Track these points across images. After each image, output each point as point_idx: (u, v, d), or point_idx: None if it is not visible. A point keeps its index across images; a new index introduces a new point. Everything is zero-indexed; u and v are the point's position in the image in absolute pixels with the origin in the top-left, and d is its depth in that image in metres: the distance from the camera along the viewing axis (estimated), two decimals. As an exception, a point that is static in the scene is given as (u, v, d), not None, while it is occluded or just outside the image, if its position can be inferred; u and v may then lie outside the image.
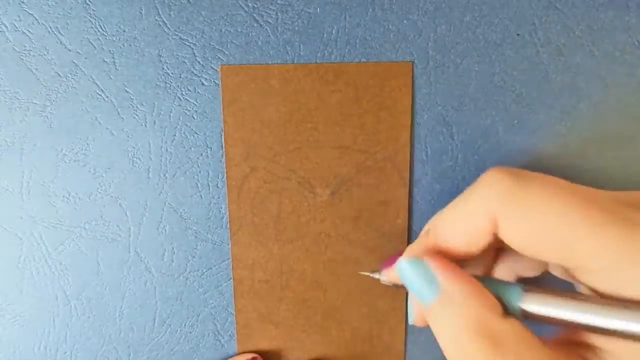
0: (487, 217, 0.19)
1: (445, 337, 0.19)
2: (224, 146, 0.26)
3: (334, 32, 0.25)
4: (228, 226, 0.27)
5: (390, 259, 0.24)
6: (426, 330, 0.29)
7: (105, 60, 0.25)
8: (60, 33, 0.25)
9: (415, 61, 0.26)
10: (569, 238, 0.17)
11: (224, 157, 0.26)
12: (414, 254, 0.21)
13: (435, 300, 0.19)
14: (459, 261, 0.21)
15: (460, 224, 0.20)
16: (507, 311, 0.19)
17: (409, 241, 0.28)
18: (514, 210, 0.18)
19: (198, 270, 0.28)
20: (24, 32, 0.25)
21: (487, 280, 0.20)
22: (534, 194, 0.18)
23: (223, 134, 0.26)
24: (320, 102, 0.26)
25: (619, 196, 0.18)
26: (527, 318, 0.19)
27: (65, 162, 0.26)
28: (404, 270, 0.21)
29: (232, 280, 0.28)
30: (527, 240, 0.18)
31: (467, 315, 0.18)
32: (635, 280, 0.16)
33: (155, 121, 0.26)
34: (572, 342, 0.19)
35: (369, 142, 0.26)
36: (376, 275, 0.25)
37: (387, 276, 0.24)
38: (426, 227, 0.23)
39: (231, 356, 0.28)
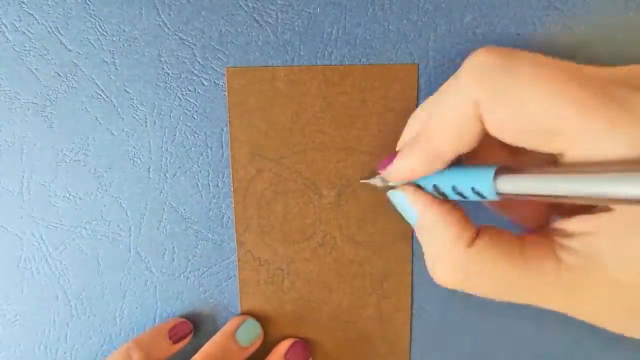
0: (471, 105, 0.17)
1: (426, 258, 0.21)
2: (230, 148, 0.26)
3: (334, 32, 0.25)
4: (234, 227, 0.27)
5: (386, 159, 0.23)
6: (431, 331, 0.29)
7: (106, 60, 0.25)
8: (60, 33, 0.25)
9: (416, 61, 0.26)
10: (553, 124, 0.16)
11: (230, 159, 0.26)
12: (404, 173, 0.22)
13: (415, 226, 0.22)
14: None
15: (446, 119, 0.19)
16: (482, 195, 0.19)
17: (414, 242, 0.28)
18: (496, 95, 0.17)
19: (199, 270, 0.28)
20: (24, 32, 0.25)
21: (457, 168, 0.20)
22: (520, 76, 0.16)
23: (229, 136, 0.26)
24: (325, 104, 0.26)
25: (618, 73, 0.17)
26: (506, 198, 0.19)
27: (66, 162, 0.26)
28: (390, 198, 0.23)
29: (237, 281, 0.28)
30: (510, 127, 0.17)
31: (436, 246, 0.20)
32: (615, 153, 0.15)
33: (155, 121, 0.26)
34: (543, 234, 0.19)
35: (375, 144, 0.26)
36: (372, 181, 0.26)
37: (382, 183, 0.25)
38: (412, 129, 0.23)
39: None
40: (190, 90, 0.26)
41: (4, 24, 0.25)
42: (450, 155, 0.20)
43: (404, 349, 0.29)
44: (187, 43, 0.25)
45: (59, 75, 0.25)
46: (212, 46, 0.25)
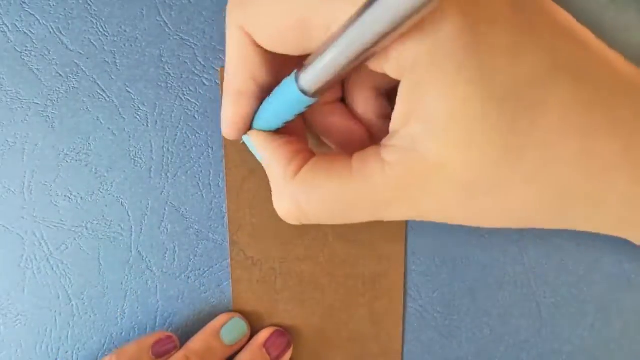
0: (237, 29, 0.18)
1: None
2: (223, 148, 0.26)
3: (334, 32, 0.25)
4: (227, 227, 0.27)
5: None
6: (425, 332, 0.29)
7: (107, 60, 0.25)
8: (61, 33, 0.25)
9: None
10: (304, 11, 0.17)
11: (224, 159, 0.27)
12: (228, 124, 0.21)
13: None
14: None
15: (230, 55, 0.19)
16: (297, 104, 0.19)
17: (407, 240, 0.28)
18: (250, 8, 0.18)
19: (199, 269, 0.28)
20: (25, 33, 0.25)
21: (269, 97, 0.20)
22: None
23: (222, 135, 0.26)
24: None
25: None
26: (321, 93, 0.18)
27: (67, 161, 0.26)
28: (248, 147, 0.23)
29: (230, 280, 0.28)
30: (269, 30, 0.18)
31: (273, 183, 0.21)
32: None
33: (156, 121, 0.26)
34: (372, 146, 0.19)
35: None
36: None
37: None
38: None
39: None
40: (191, 91, 0.26)
41: (6, 24, 0.25)
42: (250, 87, 0.20)
43: (396, 350, 0.29)
44: (188, 43, 0.25)
45: (60, 75, 0.25)
46: (213, 46, 0.25)
